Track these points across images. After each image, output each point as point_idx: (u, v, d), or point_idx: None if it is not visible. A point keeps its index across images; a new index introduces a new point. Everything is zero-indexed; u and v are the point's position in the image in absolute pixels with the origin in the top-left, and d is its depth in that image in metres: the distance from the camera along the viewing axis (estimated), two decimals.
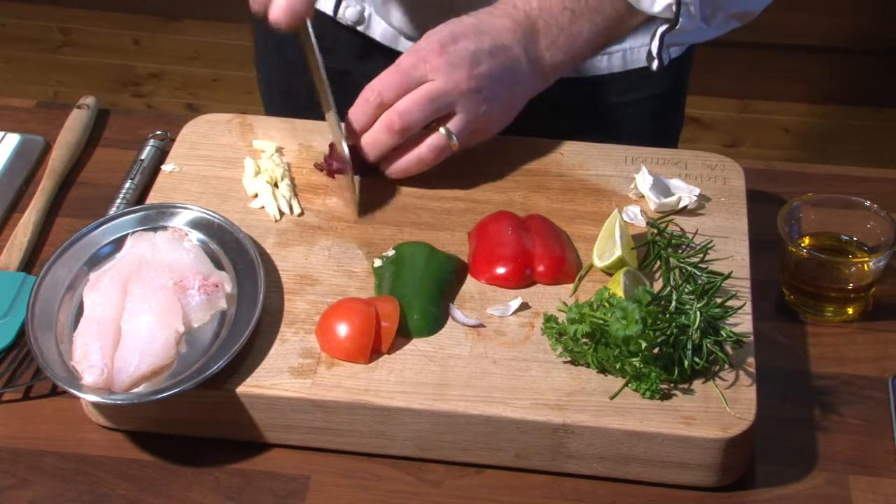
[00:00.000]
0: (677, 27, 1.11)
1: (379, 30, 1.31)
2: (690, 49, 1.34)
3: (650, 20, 1.12)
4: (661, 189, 1.10)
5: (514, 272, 1.02)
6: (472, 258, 1.04)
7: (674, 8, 1.09)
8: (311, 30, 1.09)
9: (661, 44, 1.13)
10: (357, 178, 1.08)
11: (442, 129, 1.08)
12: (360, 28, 1.31)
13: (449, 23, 1.10)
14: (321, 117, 1.14)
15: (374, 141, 1.08)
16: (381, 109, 1.08)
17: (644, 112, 1.35)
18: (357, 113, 1.09)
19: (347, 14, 1.30)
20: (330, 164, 1.12)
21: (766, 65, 2.95)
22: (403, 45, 1.31)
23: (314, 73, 1.10)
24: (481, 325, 0.98)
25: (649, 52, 1.15)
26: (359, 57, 1.32)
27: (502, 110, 1.11)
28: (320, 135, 1.17)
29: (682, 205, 1.09)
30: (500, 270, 1.02)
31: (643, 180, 1.09)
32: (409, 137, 1.09)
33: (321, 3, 1.31)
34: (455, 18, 1.11)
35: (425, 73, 1.07)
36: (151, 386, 0.93)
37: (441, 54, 1.07)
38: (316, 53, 1.09)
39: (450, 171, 1.12)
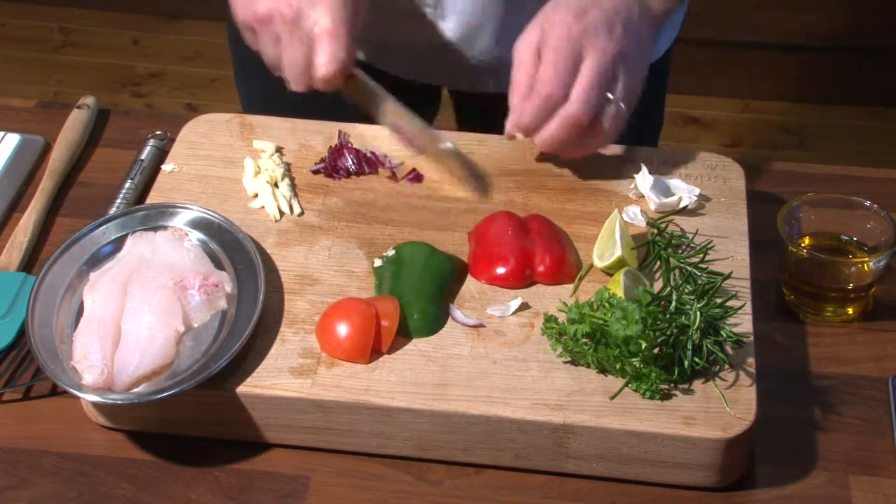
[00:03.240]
0: None
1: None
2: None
3: None
4: (662, 189, 1.10)
5: (514, 272, 1.02)
6: (472, 258, 1.04)
7: None
8: (367, 79, 1.09)
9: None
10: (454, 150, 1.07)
11: (611, 96, 1.04)
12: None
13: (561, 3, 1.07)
14: (310, 117, 1.15)
15: (554, 139, 1.05)
16: (548, 101, 1.04)
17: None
18: (518, 95, 1.05)
19: None
20: (336, 164, 1.12)
21: (766, 65, 2.95)
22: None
23: (377, 108, 1.10)
24: (481, 325, 0.98)
25: None
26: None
27: (637, 55, 1.07)
28: (320, 135, 1.18)
29: (682, 205, 1.09)
30: (500, 270, 1.02)
31: (643, 180, 1.09)
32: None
33: None
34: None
35: (572, 50, 1.03)
36: (151, 386, 0.93)
37: (570, 26, 1.04)
38: (375, 87, 1.08)
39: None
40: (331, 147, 1.14)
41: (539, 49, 1.04)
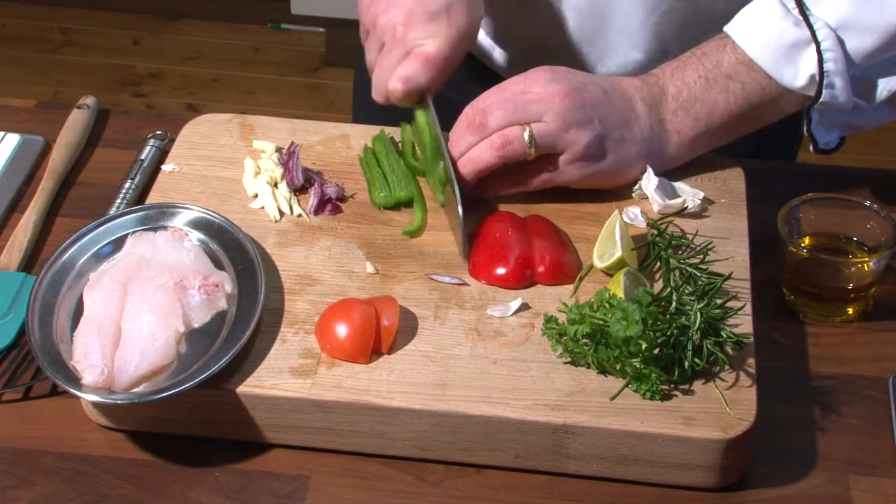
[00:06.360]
0: (820, 101, 1.06)
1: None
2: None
3: (806, 110, 1.08)
4: (666, 191, 1.09)
5: (515, 273, 1.02)
6: (472, 258, 1.04)
7: (816, 79, 1.05)
8: (432, 109, 1.08)
9: (809, 121, 1.09)
10: (462, 217, 1.04)
11: (525, 127, 1.05)
12: None
13: None
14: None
15: (457, 139, 1.07)
16: (480, 115, 1.07)
17: None
18: (456, 124, 1.08)
19: None
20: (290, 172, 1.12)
21: None
22: (497, 56, 1.30)
23: (427, 146, 1.09)
24: (464, 284, 1.01)
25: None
26: (468, 83, 1.28)
27: (604, 151, 1.07)
28: (320, 135, 1.18)
29: (685, 207, 1.09)
30: (500, 271, 1.02)
31: (648, 181, 1.09)
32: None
33: None
34: None
35: (525, 86, 1.06)
36: (151, 386, 0.93)
37: (547, 72, 1.06)
38: (437, 129, 1.08)
39: None
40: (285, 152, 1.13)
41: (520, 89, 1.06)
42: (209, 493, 0.93)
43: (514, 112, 1.05)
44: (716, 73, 1.08)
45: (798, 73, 1.06)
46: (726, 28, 1.09)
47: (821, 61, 1.04)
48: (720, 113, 1.09)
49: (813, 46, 1.04)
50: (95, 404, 0.96)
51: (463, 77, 1.22)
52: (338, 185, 1.11)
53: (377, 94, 1.10)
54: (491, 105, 1.06)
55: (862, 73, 1.07)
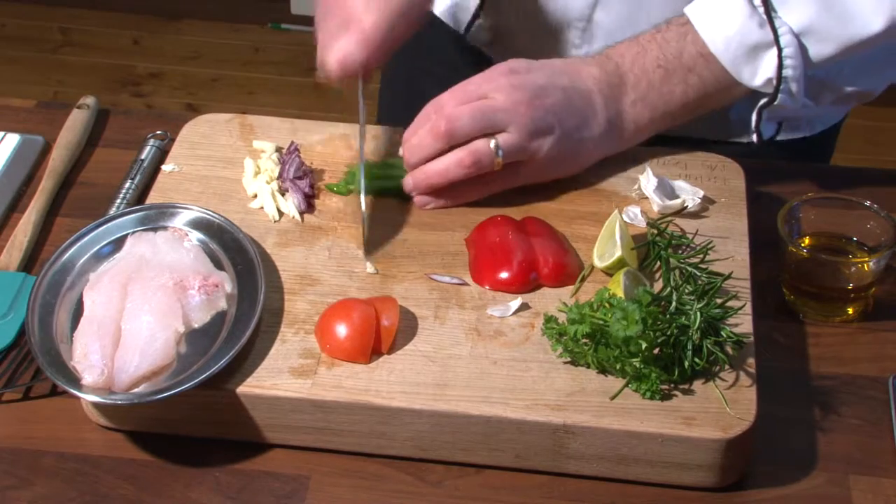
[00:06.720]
0: (776, 103, 1.08)
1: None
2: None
3: (754, 92, 1.09)
4: (666, 191, 1.09)
5: (519, 276, 1.01)
6: (473, 265, 1.04)
7: (774, 83, 1.07)
8: (361, 93, 1.08)
9: (759, 118, 1.11)
10: (366, 221, 1.06)
11: (490, 139, 1.05)
12: (487, 50, 1.30)
13: (533, 60, 1.09)
14: None
15: (418, 143, 1.07)
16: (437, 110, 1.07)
17: None
18: (415, 124, 1.08)
19: (481, 36, 1.28)
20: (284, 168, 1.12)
21: None
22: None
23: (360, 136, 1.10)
24: (464, 284, 1.01)
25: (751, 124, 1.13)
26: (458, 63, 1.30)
27: (564, 152, 1.08)
28: (320, 135, 1.18)
29: (685, 207, 1.09)
30: (504, 276, 1.01)
31: (647, 181, 1.09)
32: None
33: (446, 17, 1.30)
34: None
35: (487, 91, 1.06)
36: (151, 386, 0.93)
37: (508, 76, 1.06)
38: (361, 115, 1.08)
39: None
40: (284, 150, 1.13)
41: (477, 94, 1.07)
42: (209, 493, 0.93)
43: (482, 121, 1.05)
44: (676, 65, 1.08)
45: (756, 74, 1.07)
46: (689, 12, 1.09)
47: (780, 66, 1.05)
48: (676, 103, 1.10)
49: (774, 50, 1.05)
50: (95, 404, 0.96)
51: (454, 57, 1.23)
52: (308, 173, 1.10)
53: (319, 65, 1.08)
54: (457, 113, 1.05)
55: (813, 73, 1.09)
